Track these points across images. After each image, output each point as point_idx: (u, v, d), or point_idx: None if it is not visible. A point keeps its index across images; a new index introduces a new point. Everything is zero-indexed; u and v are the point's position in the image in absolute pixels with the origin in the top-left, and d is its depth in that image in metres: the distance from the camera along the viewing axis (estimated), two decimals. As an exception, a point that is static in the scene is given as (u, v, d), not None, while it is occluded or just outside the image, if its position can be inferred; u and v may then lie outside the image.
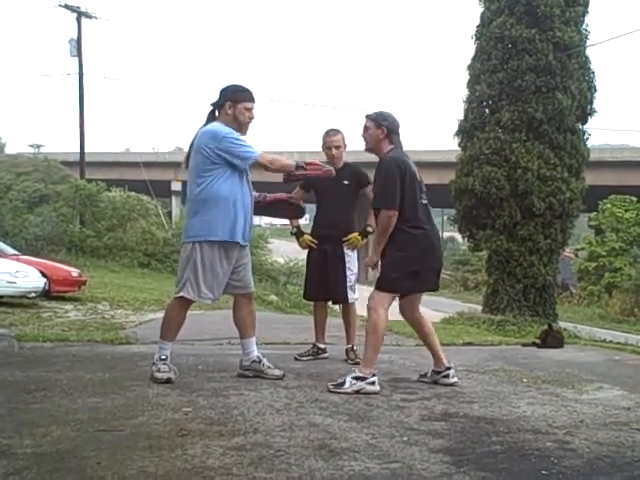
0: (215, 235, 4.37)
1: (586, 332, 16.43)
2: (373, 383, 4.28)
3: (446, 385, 4.60)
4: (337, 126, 5.58)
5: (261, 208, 4.93)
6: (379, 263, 4.53)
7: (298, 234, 5.62)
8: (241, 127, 4.48)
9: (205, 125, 4.49)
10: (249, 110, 4.47)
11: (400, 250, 4.39)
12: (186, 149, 4.67)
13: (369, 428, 3.39)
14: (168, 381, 4.28)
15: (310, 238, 5.56)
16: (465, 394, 4.37)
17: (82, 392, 3.98)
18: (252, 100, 4.51)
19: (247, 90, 4.51)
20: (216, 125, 4.44)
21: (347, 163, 5.58)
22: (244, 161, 4.36)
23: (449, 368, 4.70)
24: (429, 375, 4.76)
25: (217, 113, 4.53)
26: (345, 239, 5.44)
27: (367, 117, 4.61)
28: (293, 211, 5.38)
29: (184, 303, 4.47)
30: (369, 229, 5.53)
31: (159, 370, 4.37)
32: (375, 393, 4.21)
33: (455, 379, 4.68)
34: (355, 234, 5.47)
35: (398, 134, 4.62)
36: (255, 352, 4.66)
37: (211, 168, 4.35)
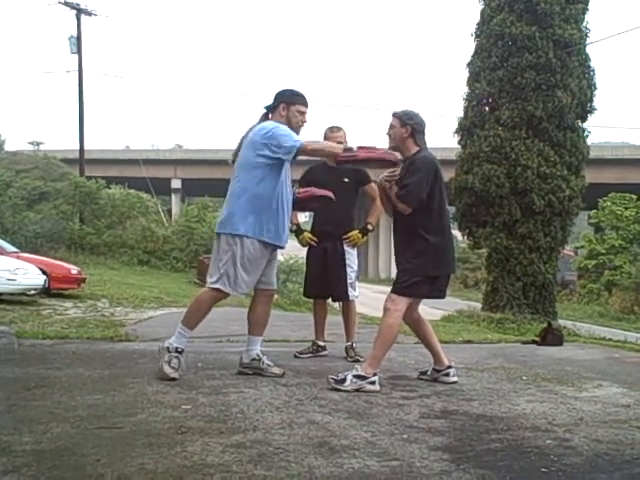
0: (261, 235, 4.42)
1: (586, 330, 16.45)
2: (374, 383, 4.27)
3: (446, 383, 4.60)
4: (337, 123, 5.58)
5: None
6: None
7: (298, 232, 5.62)
8: (293, 130, 4.52)
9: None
10: (302, 114, 4.55)
11: (422, 255, 4.39)
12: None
13: (368, 426, 3.39)
14: (172, 379, 4.27)
15: (310, 236, 5.56)
16: (464, 392, 4.37)
17: (82, 389, 3.97)
18: (306, 104, 4.60)
19: (302, 95, 4.61)
20: (270, 121, 4.52)
21: None
22: (287, 150, 4.32)
23: (450, 367, 4.70)
24: (429, 373, 4.76)
25: (270, 116, 4.59)
26: (345, 237, 5.44)
27: (393, 115, 4.60)
28: (322, 203, 5.06)
29: (217, 295, 4.48)
30: (369, 227, 5.53)
31: (169, 363, 4.33)
32: (375, 392, 4.22)
33: (455, 378, 4.68)
34: (355, 232, 5.47)
35: (423, 134, 4.59)
36: (257, 350, 4.66)
37: (261, 163, 4.38)
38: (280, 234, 4.52)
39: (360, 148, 4.41)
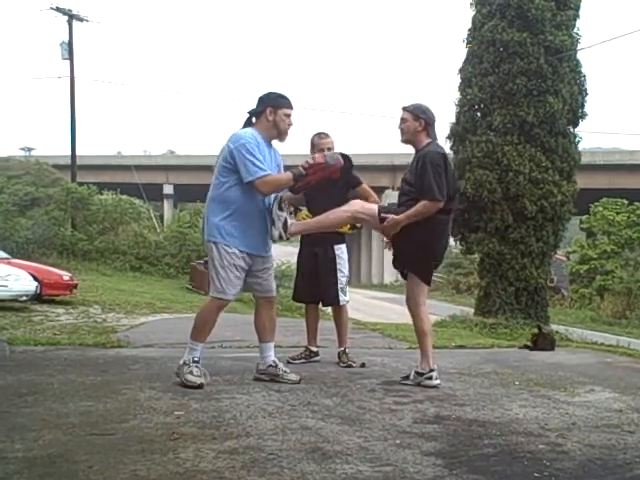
0: (231, 242, 4.38)
1: (578, 334, 16.49)
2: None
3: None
4: (324, 128, 5.60)
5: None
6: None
7: (296, 211, 5.61)
8: (281, 134, 4.52)
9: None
10: (288, 116, 4.52)
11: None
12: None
13: (361, 431, 3.39)
14: (200, 387, 4.25)
15: (307, 213, 5.55)
16: (457, 397, 4.37)
17: (74, 396, 3.96)
18: (291, 107, 4.56)
19: (287, 97, 4.58)
20: (246, 130, 4.48)
21: None
22: (245, 177, 4.31)
23: (432, 370, 4.70)
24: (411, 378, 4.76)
25: (254, 120, 4.54)
26: None
27: (404, 109, 4.69)
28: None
29: (216, 303, 4.47)
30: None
31: (192, 373, 4.33)
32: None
33: (438, 381, 4.69)
34: None
35: (434, 127, 4.71)
36: (272, 357, 4.67)
37: (229, 170, 4.37)
38: (253, 242, 4.45)
39: (308, 168, 4.34)
